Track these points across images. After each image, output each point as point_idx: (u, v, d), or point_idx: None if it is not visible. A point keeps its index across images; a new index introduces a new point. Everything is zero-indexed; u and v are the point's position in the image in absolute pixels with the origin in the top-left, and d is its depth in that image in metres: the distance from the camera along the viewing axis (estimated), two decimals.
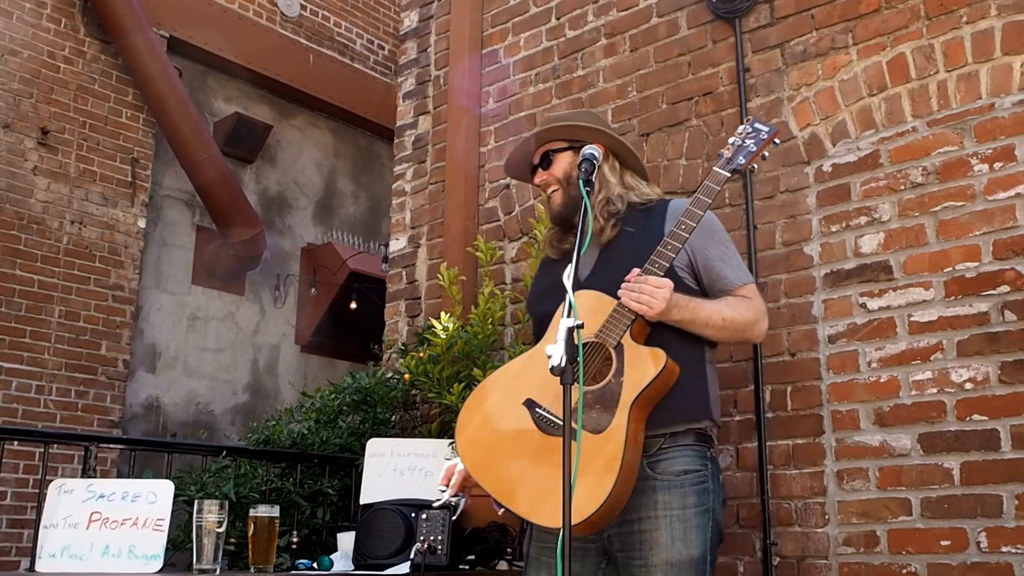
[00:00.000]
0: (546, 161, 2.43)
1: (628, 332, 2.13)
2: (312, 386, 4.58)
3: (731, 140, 2.30)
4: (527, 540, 2.33)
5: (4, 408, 5.84)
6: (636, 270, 2.16)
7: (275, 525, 2.47)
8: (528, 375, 2.17)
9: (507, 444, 2.12)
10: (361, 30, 8.46)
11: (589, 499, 1.97)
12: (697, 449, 2.19)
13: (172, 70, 6.75)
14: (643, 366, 2.10)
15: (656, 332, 2.17)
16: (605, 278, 2.25)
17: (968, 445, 2.70)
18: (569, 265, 2.02)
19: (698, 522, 2.11)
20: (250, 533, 2.43)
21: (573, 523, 1.86)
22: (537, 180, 2.45)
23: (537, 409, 2.11)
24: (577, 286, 2.25)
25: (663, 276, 2.14)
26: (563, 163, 2.40)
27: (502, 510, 2.11)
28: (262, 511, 2.42)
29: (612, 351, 2.12)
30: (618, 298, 2.15)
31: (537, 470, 2.05)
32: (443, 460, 3.27)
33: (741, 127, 2.33)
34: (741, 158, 2.24)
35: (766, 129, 2.28)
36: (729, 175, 2.24)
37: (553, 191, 2.42)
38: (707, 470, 2.18)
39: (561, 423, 1.95)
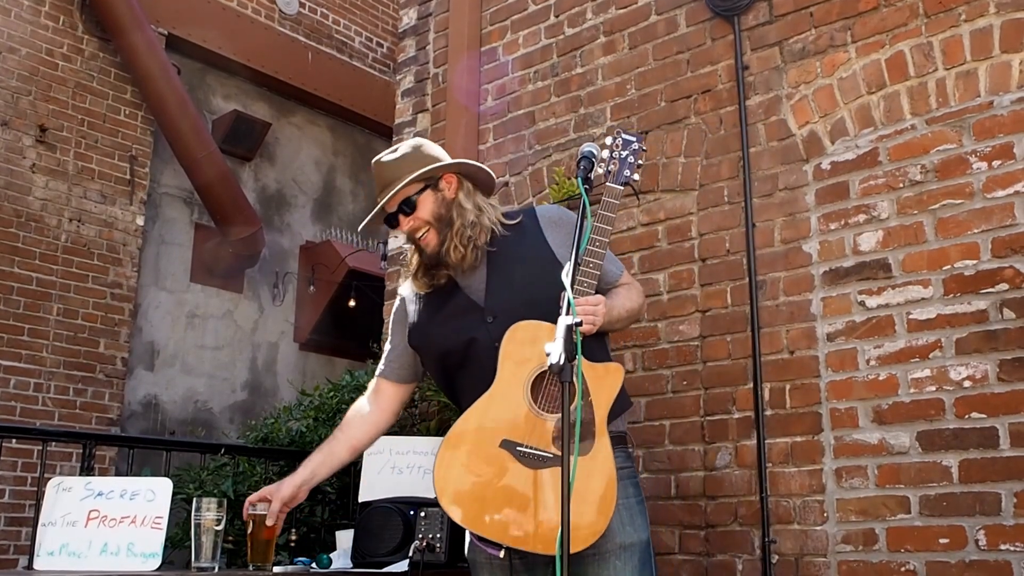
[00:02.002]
0: (409, 206, 2.34)
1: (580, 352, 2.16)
2: (311, 384, 4.58)
3: (606, 154, 2.30)
4: (470, 546, 2.34)
5: (2, 406, 5.83)
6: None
7: (269, 530, 2.47)
8: (493, 418, 2.15)
9: (498, 490, 2.10)
10: (360, 28, 8.45)
11: (601, 515, 2.07)
12: (625, 450, 2.29)
13: (171, 68, 6.74)
14: (605, 383, 2.19)
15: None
16: (507, 295, 2.28)
17: (967, 443, 2.70)
18: (568, 263, 2.04)
19: (639, 510, 2.24)
20: (249, 531, 2.43)
21: (589, 544, 2.04)
22: (404, 228, 2.36)
23: (518, 448, 2.11)
24: (477, 310, 2.30)
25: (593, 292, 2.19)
26: (427, 203, 2.34)
27: (502, 552, 2.09)
28: (261, 509, 2.42)
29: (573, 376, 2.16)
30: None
31: (539, 507, 2.07)
32: None
33: (611, 139, 2.32)
34: (627, 171, 2.28)
35: (635, 139, 2.31)
36: (622, 188, 2.28)
37: (424, 233, 2.34)
38: (634, 467, 2.33)
39: (546, 455, 2.08)
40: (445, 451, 2.16)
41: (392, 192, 2.33)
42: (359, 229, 2.56)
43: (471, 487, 2.12)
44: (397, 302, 2.51)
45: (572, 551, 2.01)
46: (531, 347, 2.14)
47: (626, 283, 2.41)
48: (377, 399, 2.51)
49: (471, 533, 2.20)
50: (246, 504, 2.39)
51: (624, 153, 2.29)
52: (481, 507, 2.10)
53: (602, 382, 2.18)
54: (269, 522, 2.36)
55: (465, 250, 2.29)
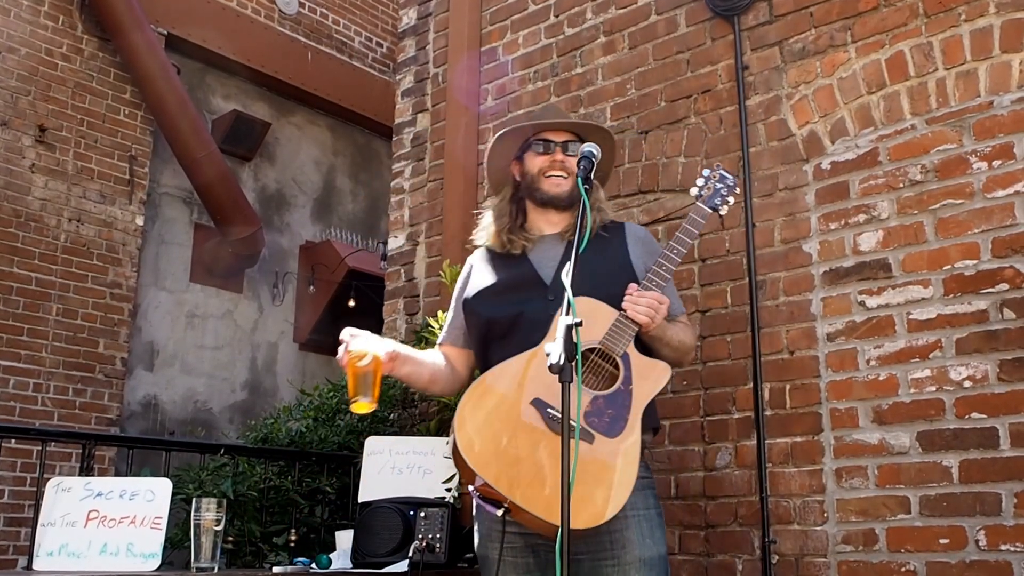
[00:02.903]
0: (572, 147, 2.42)
1: (632, 342, 2.20)
2: (310, 384, 4.58)
3: (700, 181, 2.42)
4: (481, 541, 2.30)
5: (2, 406, 5.84)
6: (634, 285, 2.24)
7: (380, 364, 2.25)
8: (533, 374, 2.15)
9: (517, 444, 2.08)
10: (359, 27, 8.45)
11: (609, 502, 2.04)
12: (644, 461, 2.27)
13: (170, 68, 6.74)
14: (651, 376, 2.21)
15: None
16: (575, 281, 2.27)
17: (967, 443, 2.70)
18: (568, 263, 2.04)
19: (659, 522, 2.23)
20: (364, 363, 2.19)
21: (594, 524, 2.00)
22: (558, 156, 2.42)
23: (548, 410, 2.10)
24: (540, 286, 2.32)
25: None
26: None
27: (501, 511, 2.06)
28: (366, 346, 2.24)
29: (619, 359, 2.18)
30: (620, 308, 2.22)
31: (552, 472, 2.05)
32: (442, 458, 3.27)
33: (708, 171, 2.43)
34: (717, 200, 2.40)
35: (731, 178, 2.42)
36: (710, 212, 2.38)
37: (564, 176, 2.41)
38: (653, 478, 2.32)
39: (572, 424, 2.05)
40: (477, 388, 2.15)
41: (580, 122, 2.46)
42: (512, 126, 2.52)
43: (493, 431, 2.09)
44: (465, 268, 2.53)
45: (577, 526, 1.98)
46: (588, 320, 2.12)
47: (684, 322, 2.44)
48: (448, 362, 2.48)
49: (476, 495, 2.15)
50: (347, 335, 2.24)
51: (719, 185, 2.40)
52: (495, 457, 2.07)
53: (647, 375, 2.20)
54: (385, 358, 2.20)
55: (595, 222, 2.36)
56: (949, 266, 2.83)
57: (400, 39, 4.81)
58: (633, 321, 2.19)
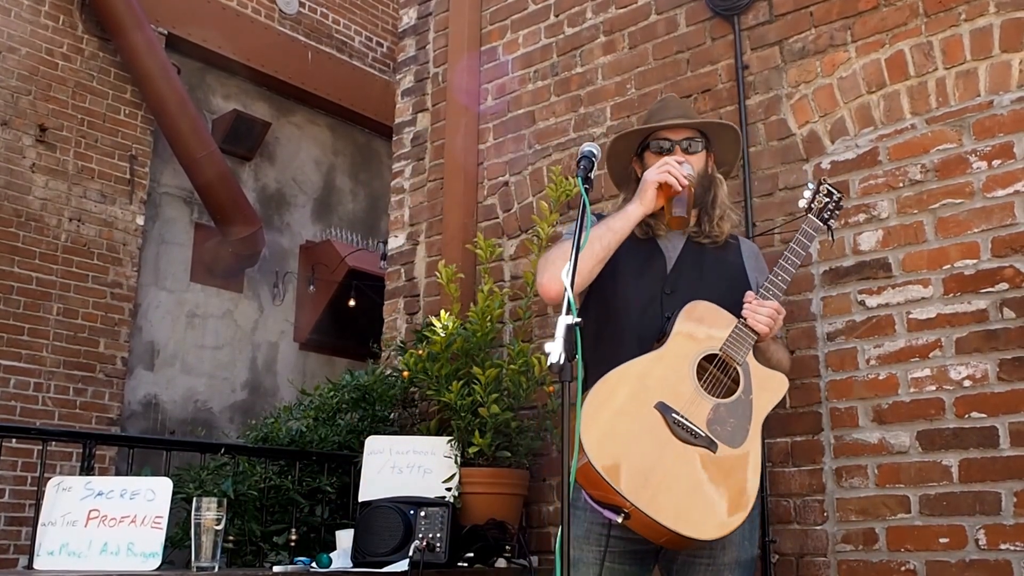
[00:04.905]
0: (694, 147, 2.38)
1: (751, 351, 2.22)
2: (311, 383, 4.58)
3: (807, 194, 2.42)
4: (574, 543, 2.20)
5: (2, 405, 5.84)
6: (751, 293, 2.26)
7: None
8: (656, 377, 2.14)
9: (642, 449, 2.05)
10: (360, 27, 8.45)
11: (735, 512, 2.06)
12: None
13: (171, 67, 6.74)
14: (770, 387, 2.22)
15: None
16: (692, 277, 2.33)
17: (967, 442, 2.70)
18: (568, 263, 2.01)
19: (757, 523, 2.27)
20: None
21: (720, 535, 2.01)
22: (679, 156, 2.36)
23: (673, 415, 2.09)
24: (662, 274, 2.33)
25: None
26: (703, 158, 2.41)
27: (620, 517, 2.00)
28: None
29: (739, 368, 2.20)
30: (740, 317, 2.24)
31: (678, 478, 2.03)
32: (442, 457, 3.27)
33: (812, 184, 2.44)
34: (826, 214, 2.41)
35: (838, 194, 2.44)
36: (822, 225, 2.40)
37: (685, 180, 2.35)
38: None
39: (699, 432, 2.08)
40: (602, 389, 2.11)
41: (695, 120, 2.43)
42: (628, 130, 2.48)
43: (617, 437, 2.06)
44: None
45: (704, 536, 2.00)
46: (708, 325, 2.19)
47: (782, 342, 2.46)
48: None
49: (591, 500, 2.09)
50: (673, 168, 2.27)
51: (826, 200, 2.42)
52: (622, 460, 2.03)
53: (766, 385, 2.21)
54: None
55: (721, 229, 2.39)
56: (949, 266, 2.83)
57: (400, 39, 4.81)
58: (752, 330, 2.20)
